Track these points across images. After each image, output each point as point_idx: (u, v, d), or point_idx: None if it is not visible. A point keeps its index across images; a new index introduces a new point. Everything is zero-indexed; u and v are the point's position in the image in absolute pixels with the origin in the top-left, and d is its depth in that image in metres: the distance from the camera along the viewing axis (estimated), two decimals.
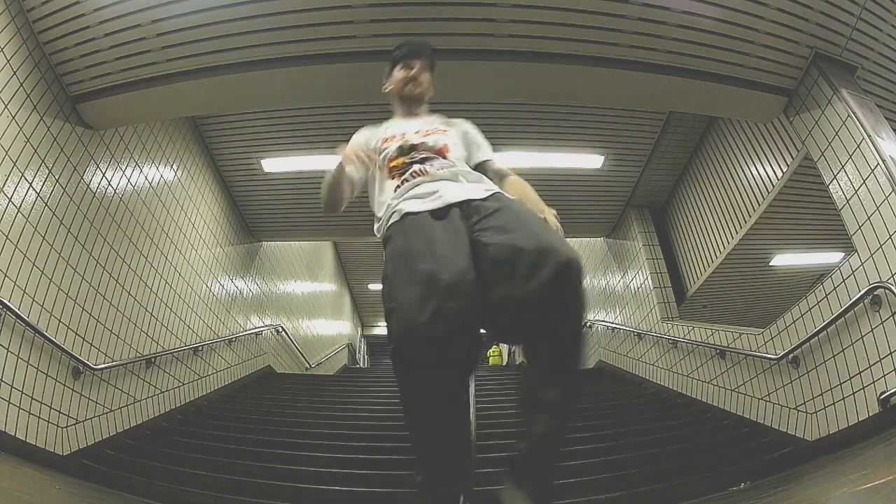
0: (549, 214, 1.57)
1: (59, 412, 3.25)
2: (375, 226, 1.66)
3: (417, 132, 1.74)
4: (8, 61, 3.12)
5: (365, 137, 1.83)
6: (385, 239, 1.53)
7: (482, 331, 1.34)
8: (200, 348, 5.20)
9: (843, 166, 3.47)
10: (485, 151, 1.82)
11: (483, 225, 1.39)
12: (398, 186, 1.60)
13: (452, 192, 1.50)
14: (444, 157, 1.66)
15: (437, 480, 1.37)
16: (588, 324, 7.94)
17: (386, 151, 1.70)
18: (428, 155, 1.66)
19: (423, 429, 1.35)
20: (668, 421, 4.37)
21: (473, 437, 1.53)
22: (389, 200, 1.58)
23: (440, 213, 1.45)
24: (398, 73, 1.88)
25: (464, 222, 1.43)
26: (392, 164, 1.66)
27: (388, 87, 1.92)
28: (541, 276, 1.23)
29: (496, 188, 1.56)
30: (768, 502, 2.27)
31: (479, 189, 1.53)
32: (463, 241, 1.37)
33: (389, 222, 1.52)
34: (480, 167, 1.76)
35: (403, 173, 1.62)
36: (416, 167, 1.61)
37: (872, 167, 3.24)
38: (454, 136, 1.78)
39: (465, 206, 1.46)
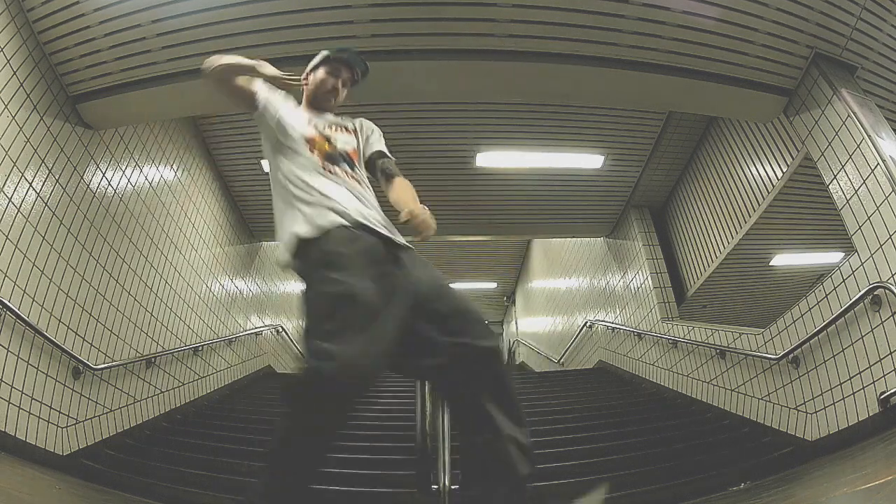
0: (419, 211, 1.58)
1: (59, 412, 3.25)
2: (300, 202, 1.57)
3: (329, 126, 1.77)
4: (8, 61, 3.12)
5: (272, 94, 1.82)
6: (328, 243, 1.46)
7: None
8: (200, 348, 5.20)
9: (843, 166, 3.47)
10: (378, 144, 1.84)
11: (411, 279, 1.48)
12: (325, 169, 1.61)
13: (376, 222, 1.56)
14: (354, 165, 1.71)
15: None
16: (588, 324, 7.94)
17: (302, 128, 1.71)
18: (343, 154, 1.70)
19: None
20: (668, 421, 4.37)
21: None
22: (322, 188, 1.57)
23: (378, 242, 1.51)
24: (322, 75, 1.86)
25: (392, 265, 1.48)
26: (317, 143, 1.67)
27: (305, 82, 1.89)
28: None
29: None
30: (768, 502, 2.27)
31: (396, 232, 1.59)
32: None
33: (332, 224, 1.49)
34: (372, 159, 1.80)
35: (329, 159, 1.64)
36: (341, 166, 1.65)
37: (872, 167, 3.24)
38: (358, 138, 1.82)
39: (391, 246, 1.53)
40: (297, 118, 1.74)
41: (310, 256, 1.45)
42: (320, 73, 1.86)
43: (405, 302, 1.42)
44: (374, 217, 1.57)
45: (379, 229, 1.53)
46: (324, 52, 1.88)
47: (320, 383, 1.25)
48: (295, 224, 1.51)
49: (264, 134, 1.75)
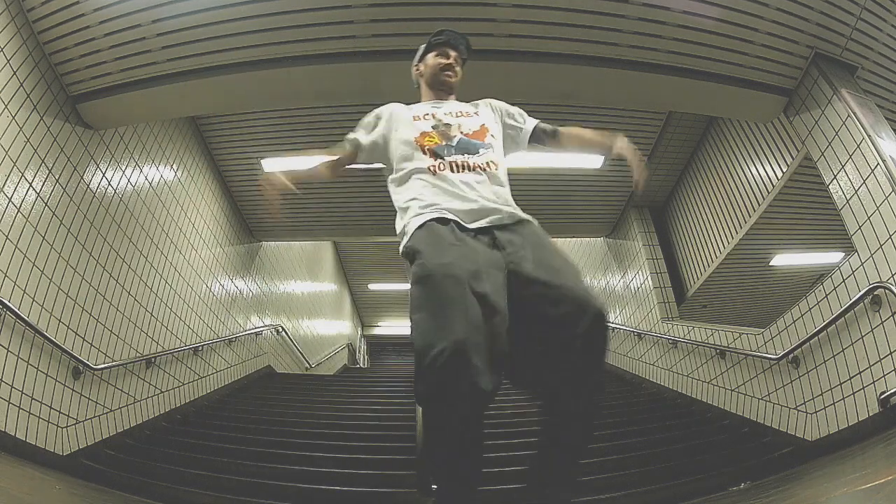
0: (623, 145, 1.70)
1: (59, 412, 3.25)
2: (400, 197, 1.62)
3: (448, 113, 1.76)
4: (8, 61, 3.12)
5: (390, 113, 1.80)
6: (416, 238, 1.47)
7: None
8: (200, 348, 5.20)
9: (843, 166, 3.47)
10: (529, 119, 1.88)
11: (516, 257, 1.41)
12: (434, 169, 1.59)
13: (488, 212, 1.52)
14: (483, 142, 1.68)
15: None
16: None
17: (418, 126, 1.70)
18: (463, 139, 1.66)
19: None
20: (668, 421, 4.37)
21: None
22: (424, 190, 1.56)
23: (477, 233, 1.48)
24: (433, 59, 1.87)
25: (497, 250, 1.44)
26: (426, 141, 1.65)
27: (419, 70, 1.91)
28: (573, 327, 1.27)
29: (522, 213, 1.58)
30: (768, 502, 2.27)
31: (510, 212, 1.55)
32: (500, 274, 1.37)
33: (426, 218, 1.49)
34: (535, 133, 1.86)
35: (440, 155, 1.61)
36: (456, 158, 1.61)
37: (872, 167, 3.24)
38: (487, 115, 1.81)
39: (498, 229, 1.49)
40: (408, 123, 1.73)
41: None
42: (429, 59, 1.88)
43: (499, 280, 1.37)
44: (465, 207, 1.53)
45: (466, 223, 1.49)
46: (424, 45, 1.92)
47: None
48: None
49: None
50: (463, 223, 1.48)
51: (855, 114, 3.41)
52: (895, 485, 1.65)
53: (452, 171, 1.59)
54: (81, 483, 2.94)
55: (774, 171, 4.81)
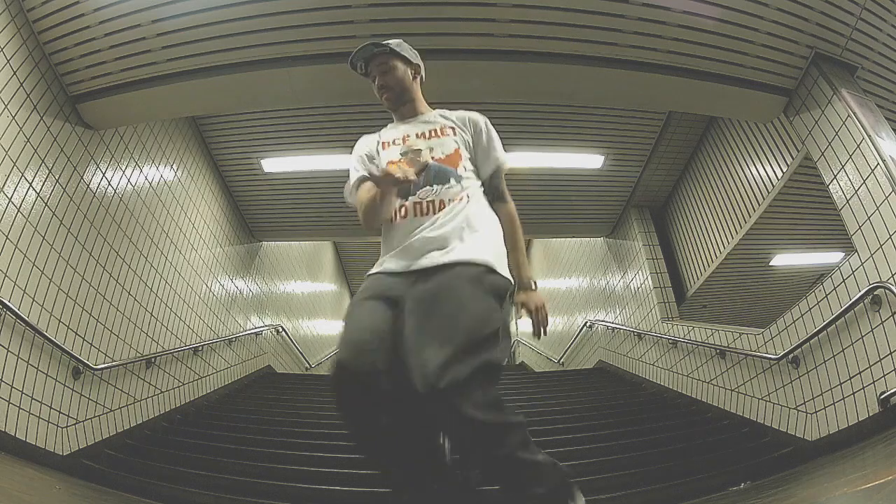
0: (528, 299, 1.59)
1: (59, 412, 3.25)
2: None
3: (420, 134, 1.66)
4: (8, 61, 3.12)
5: (366, 146, 1.74)
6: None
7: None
8: (200, 348, 5.20)
9: (843, 166, 3.47)
10: (492, 162, 1.68)
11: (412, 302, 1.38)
12: (403, 211, 1.54)
13: (432, 257, 1.44)
14: (456, 170, 1.58)
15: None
16: (588, 324, 7.94)
17: (386, 156, 1.63)
18: (435, 165, 1.56)
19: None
20: (668, 421, 4.37)
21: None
22: (390, 234, 1.59)
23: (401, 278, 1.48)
24: (372, 87, 1.78)
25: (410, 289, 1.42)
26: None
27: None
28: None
29: (466, 251, 1.45)
30: (768, 502, 2.27)
31: (460, 251, 1.44)
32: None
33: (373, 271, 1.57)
34: (487, 181, 1.68)
35: (407, 192, 1.54)
36: (424, 194, 1.53)
37: (872, 167, 3.24)
38: (461, 137, 1.67)
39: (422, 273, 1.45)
40: (374, 157, 1.70)
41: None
42: (372, 87, 1.77)
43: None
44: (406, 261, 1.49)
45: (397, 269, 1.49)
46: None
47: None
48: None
49: None
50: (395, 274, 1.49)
51: (855, 114, 3.41)
52: (895, 485, 1.65)
53: (415, 214, 1.53)
54: (81, 483, 2.94)
55: (774, 171, 4.81)
